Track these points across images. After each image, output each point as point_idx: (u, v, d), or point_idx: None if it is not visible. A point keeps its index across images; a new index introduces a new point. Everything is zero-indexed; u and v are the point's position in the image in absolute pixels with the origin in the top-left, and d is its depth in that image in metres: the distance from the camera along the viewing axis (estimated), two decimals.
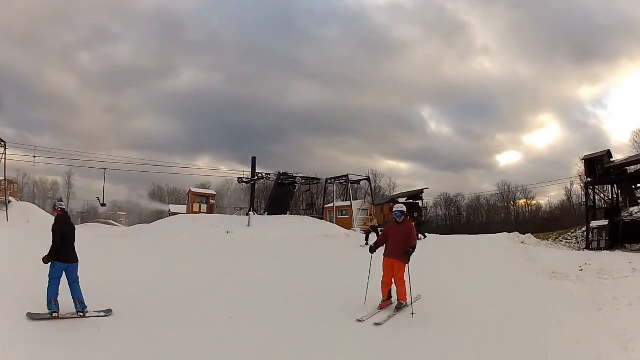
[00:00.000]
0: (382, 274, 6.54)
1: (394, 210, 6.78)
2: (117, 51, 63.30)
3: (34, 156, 28.00)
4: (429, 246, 15.04)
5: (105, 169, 29.31)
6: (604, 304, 6.54)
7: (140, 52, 63.58)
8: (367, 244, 13.48)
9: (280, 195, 29.93)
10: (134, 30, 65.88)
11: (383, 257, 6.59)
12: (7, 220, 22.96)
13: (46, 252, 5.72)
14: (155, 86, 64.69)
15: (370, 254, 6.76)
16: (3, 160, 24.73)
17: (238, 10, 68.39)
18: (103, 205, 30.11)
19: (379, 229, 14.40)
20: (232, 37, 65.79)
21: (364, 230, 17.65)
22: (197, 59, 68.10)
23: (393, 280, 6.50)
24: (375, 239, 11.94)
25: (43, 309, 5.68)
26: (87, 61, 61.39)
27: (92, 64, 60.81)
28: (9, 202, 25.03)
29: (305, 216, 29.75)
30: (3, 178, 25.12)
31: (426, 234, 18.50)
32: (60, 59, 64.01)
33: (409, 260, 6.32)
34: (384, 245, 6.70)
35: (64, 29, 65.46)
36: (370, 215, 23.23)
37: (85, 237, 17.61)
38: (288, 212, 29.94)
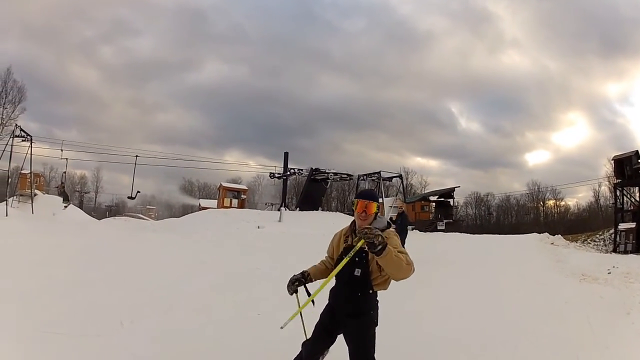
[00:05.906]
0: None
1: None
2: (139, 45, 64.55)
3: (62, 150, 29.07)
4: (459, 246, 15.40)
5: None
6: (632, 308, 6.63)
7: (163, 45, 64.87)
8: None
9: (312, 191, 30.24)
10: (155, 24, 67.34)
11: None
12: (33, 212, 23.43)
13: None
14: (179, 79, 66.06)
15: None
16: (29, 154, 24.91)
17: (261, 1, 68.26)
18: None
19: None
20: (256, 29, 66.15)
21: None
22: (220, 51, 69.04)
23: None
24: None
25: (56, 300, 5.76)
26: (109, 55, 62.71)
27: (114, 58, 62.20)
28: (35, 195, 25.37)
29: (337, 212, 30.33)
30: (29, 171, 25.54)
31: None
32: (81, 53, 65.48)
33: None
34: None
35: (84, 24, 68.17)
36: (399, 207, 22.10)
37: (112, 230, 17.99)
38: (320, 209, 30.29)
